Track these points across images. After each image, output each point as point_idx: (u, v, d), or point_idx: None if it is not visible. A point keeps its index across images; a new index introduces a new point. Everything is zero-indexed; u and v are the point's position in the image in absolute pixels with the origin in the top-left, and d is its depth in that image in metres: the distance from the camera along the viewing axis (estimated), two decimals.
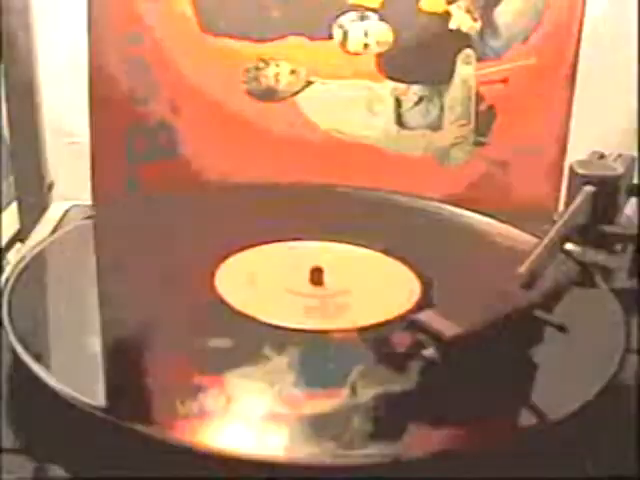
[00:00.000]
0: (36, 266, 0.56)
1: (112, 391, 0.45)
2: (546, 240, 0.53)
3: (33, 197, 0.77)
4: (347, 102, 0.71)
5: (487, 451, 0.42)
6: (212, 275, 0.54)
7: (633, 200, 0.62)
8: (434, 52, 0.71)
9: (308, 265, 0.55)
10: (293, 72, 0.71)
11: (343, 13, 0.70)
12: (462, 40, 0.71)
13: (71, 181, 0.77)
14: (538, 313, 0.48)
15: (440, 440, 0.43)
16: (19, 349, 0.46)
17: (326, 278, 0.54)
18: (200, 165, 0.72)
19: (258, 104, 0.71)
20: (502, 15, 0.71)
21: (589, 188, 0.59)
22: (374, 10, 0.70)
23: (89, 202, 0.71)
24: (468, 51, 0.71)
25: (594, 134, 0.72)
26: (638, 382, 0.49)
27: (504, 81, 0.71)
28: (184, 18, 0.70)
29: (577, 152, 0.67)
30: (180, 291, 0.53)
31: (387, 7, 0.70)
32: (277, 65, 0.71)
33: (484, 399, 0.45)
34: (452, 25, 0.70)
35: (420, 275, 0.55)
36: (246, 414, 0.44)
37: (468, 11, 0.70)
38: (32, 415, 0.45)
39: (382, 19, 0.70)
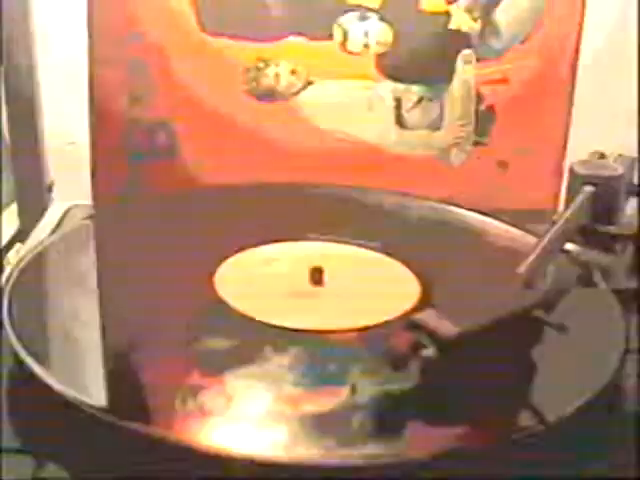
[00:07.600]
0: (36, 266, 0.56)
1: (112, 391, 0.45)
2: (546, 240, 0.53)
3: (33, 197, 0.77)
4: (347, 102, 0.71)
5: (487, 451, 0.42)
6: (212, 275, 0.54)
7: (633, 200, 0.62)
8: (434, 52, 0.71)
9: (308, 265, 0.55)
10: (293, 72, 0.71)
11: (343, 13, 0.70)
12: (462, 40, 0.71)
13: (71, 181, 0.77)
14: (538, 313, 0.48)
15: (440, 440, 0.43)
16: (19, 349, 0.46)
17: (326, 278, 0.54)
18: (199, 165, 0.72)
19: (258, 104, 0.71)
20: (502, 15, 0.71)
21: (589, 188, 0.59)
22: (374, 10, 0.70)
23: (89, 202, 0.71)
24: (468, 51, 0.71)
25: (594, 134, 0.72)
26: (638, 382, 0.48)
27: (504, 81, 0.71)
28: (183, 18, 0.70)
29: (577, 152, 0.67)
30: (180, 291, 0.53)
31: (387, 7, 0.70)
32: (277, 65, 0.71)
33: (484, 399, 0.45)
34: (452, 25, 0.70)
35: (420, 275, 0.55)
36: (246, 414, 0.44)
37: (468, 11, 0.70)
38: (32, 415, 0.45)
39: (382, 19, 0.70)
